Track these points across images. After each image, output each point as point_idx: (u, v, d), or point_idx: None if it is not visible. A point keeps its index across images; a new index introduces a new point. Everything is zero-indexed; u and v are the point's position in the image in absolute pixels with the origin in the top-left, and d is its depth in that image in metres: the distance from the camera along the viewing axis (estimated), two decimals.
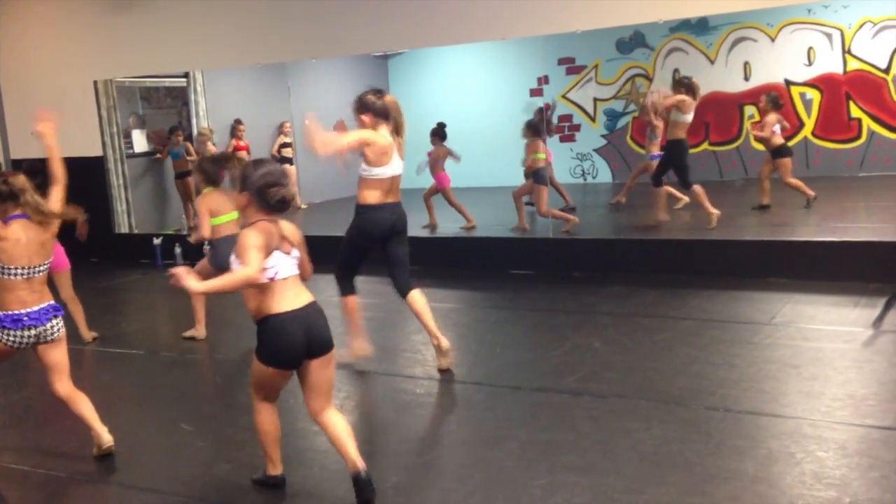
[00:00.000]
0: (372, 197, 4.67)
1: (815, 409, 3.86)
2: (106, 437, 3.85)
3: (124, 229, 9.51)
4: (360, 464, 3.16)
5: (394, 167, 4.67)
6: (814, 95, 10.37)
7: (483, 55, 11.85)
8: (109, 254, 9.43)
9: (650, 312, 5.77)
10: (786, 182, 8.16)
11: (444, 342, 4.81)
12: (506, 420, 4.04)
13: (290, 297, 3.15)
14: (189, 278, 2.95)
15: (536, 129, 8.40)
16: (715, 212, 7.56)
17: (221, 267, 4.64)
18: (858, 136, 10.20)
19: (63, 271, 5.84)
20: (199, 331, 5.77)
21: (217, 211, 5.47)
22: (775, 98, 8.49)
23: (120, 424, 4.42)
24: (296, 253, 3.21)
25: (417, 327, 5.71)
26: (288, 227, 3.22)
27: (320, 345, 3.18)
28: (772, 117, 8.29)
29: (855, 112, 10.17)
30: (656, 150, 8.80)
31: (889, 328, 5.01)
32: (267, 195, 3.12)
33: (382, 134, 4.62)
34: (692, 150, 8.10)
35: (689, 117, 7.85)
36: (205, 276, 4.71)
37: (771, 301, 5.81)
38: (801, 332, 5.05)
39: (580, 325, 5.59)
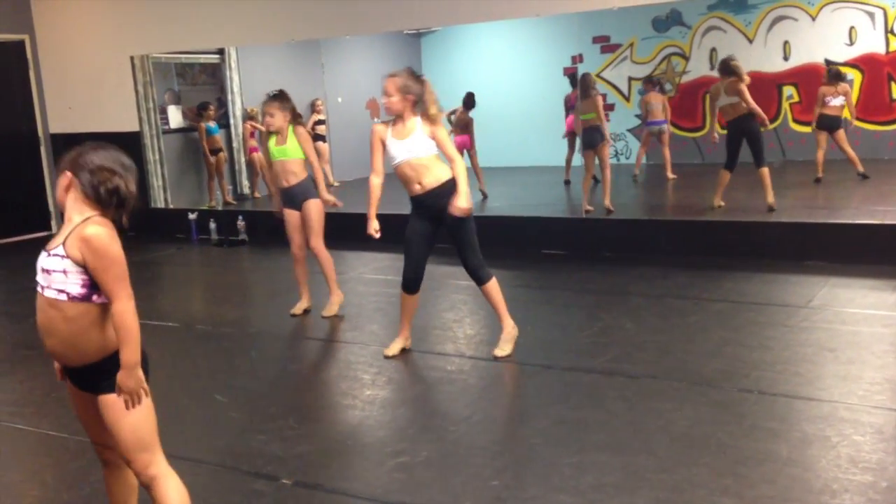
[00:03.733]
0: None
1: (852, 393, 3.81)
2: None
3: (160, 204, 9.62)
4: None
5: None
6: (855, 76, 10.15)
7: (517, 33, 11.75)
8: (145, 228, 9.46)
9: (683, 294, 5.72)
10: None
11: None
12: (536, 398, 4.04)
13: None
14: None
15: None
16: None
17: None
18: None
19: None
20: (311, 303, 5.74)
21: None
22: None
23: (155, 395, 4.48)
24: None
25: (449, 304, 5.73)
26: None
27: None
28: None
29: None
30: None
31: None
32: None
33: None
34: (724, 132, 7.95)
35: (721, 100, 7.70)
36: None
37: (808, 284, 5.73)
38: (838, 316, 4.98)
39: (612, 305, 5.56)
